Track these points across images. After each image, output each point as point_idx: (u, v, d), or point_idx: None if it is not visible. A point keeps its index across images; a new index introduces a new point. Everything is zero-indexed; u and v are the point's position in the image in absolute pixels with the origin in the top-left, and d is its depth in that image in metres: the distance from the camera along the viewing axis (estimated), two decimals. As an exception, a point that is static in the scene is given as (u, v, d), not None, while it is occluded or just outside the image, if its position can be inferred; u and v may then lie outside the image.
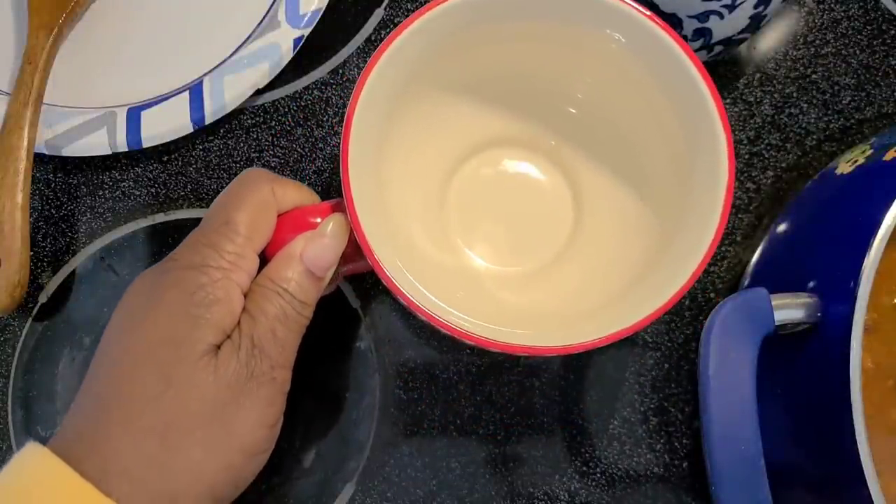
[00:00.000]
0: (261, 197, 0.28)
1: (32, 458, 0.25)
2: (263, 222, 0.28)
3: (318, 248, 0.28)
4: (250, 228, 0.28)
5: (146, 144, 0.36)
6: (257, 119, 0.38)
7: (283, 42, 0.37)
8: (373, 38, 0.40)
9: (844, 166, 0.34)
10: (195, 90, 0.36)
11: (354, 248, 0.28)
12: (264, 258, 0.29)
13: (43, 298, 0.37)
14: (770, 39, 0.39)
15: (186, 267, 0.27)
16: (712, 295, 0.37)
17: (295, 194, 0.30)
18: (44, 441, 0.25)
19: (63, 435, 0.26)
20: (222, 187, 0.29)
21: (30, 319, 0.37)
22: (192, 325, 0.26)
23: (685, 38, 0.28)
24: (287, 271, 0.28)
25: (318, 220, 0.29)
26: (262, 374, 0.26)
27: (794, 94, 0.39)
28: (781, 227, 0.36)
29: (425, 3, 0.29)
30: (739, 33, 0.34)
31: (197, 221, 0.29)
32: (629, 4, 0.28)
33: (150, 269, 0.28)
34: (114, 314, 0.27)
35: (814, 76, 0.39)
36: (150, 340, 0.26)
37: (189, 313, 0.26)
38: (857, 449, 0.26)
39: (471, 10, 0.29)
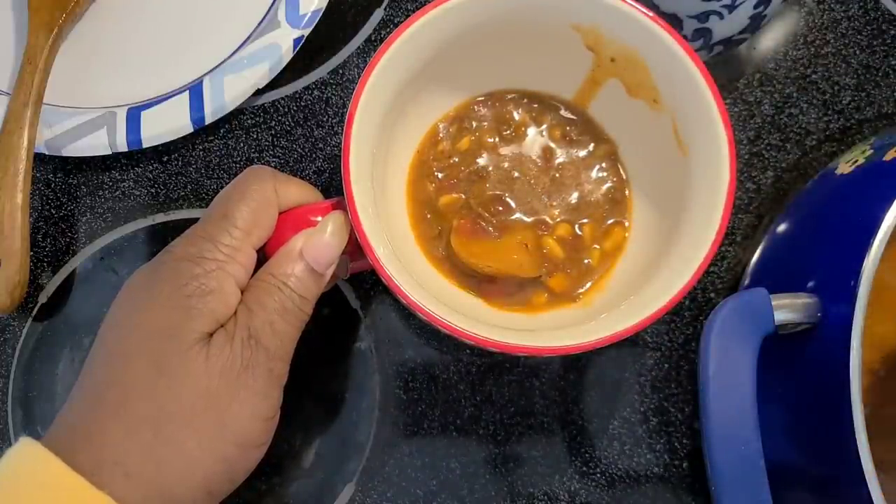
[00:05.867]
0: (262, 194, 0.28)
1: (25, 453, 0.24)
2: (263, 218, 0.28)
3: (319, 245, 0.28)
4: (249, 223, 0.28)
5: (146, 144, 0.36)
6: (257, 119, 0.38)
7: (283, 42, 0.37)
8: (373, 38, 0.40)
9: (844, 166, 0.34)
10: (195, 90, 0.36)
11: (355, 247, 0.28)
12: (265, 257, 0.29)
13: (43, 298, 0.37)
14: (770, 39, 0.39)
15: (181, 258, 0.27)
16: (712, 295, 0.37)
17: (297, 192, 0.30)
18: None
19: (58, 428, 0.26)
20: (222, 187, 0.29)
21: (30, 319, 0.37)
22: (185, 316, 0.26)
23: (685, 38, 0.28)
24: (287, 267, 0.28)
25: (319, 218, 0.29)
26: (258, 365, 0.26)
27: (794, 94, 0.39)
28: (781, 227, 0.36)
29: (425, 2, 0.29)
30: (739, 33, 0.34)
31: (196, 221, 0.29)
32: (630, 4, 0.28)
33: (147, 263, 0.28)
34: (111, 308, 0.27)
35: (814, 76, 0.39)
36: (143, 331, 0.26)
37: (182, 304, 0.26)
38: (857, 449, 0.26)
39: (471, 9, 0.29)
